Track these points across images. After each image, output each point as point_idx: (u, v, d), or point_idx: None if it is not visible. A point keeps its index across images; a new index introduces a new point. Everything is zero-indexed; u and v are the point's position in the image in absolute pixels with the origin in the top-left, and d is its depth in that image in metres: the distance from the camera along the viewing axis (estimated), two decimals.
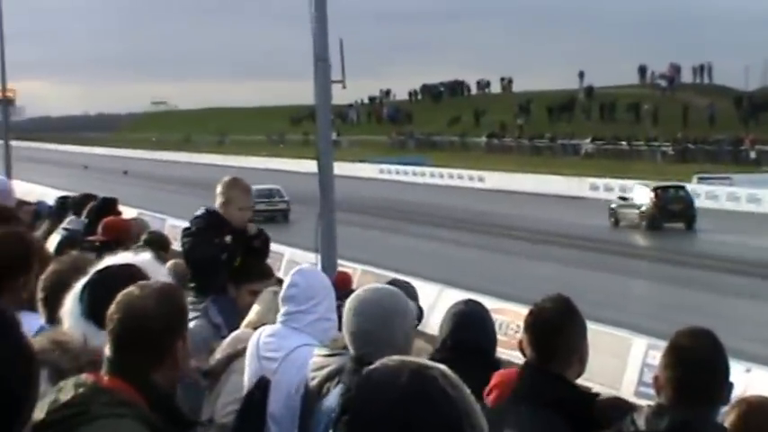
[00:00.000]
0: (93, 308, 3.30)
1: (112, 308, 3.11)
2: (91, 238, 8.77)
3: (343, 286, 9.42)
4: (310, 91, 11.21)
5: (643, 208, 40.92)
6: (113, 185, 59.26)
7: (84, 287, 3.38)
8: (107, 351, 3.09)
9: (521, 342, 4.26)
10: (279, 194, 47.35)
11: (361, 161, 77.84)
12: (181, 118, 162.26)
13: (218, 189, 7.55)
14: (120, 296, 3.15)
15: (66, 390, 2.81)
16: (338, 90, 11.26)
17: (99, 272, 3.44)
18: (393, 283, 5.72)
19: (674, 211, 41.03)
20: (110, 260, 3.52)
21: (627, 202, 42.72)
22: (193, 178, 66.34)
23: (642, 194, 41.68)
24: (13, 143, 41.45)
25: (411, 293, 5.48)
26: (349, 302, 4.21)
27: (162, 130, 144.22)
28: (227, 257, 7.21)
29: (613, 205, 43.23)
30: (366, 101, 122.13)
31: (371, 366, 2.09)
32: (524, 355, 4.18)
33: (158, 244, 8.83)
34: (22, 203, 12.70)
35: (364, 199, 51.59)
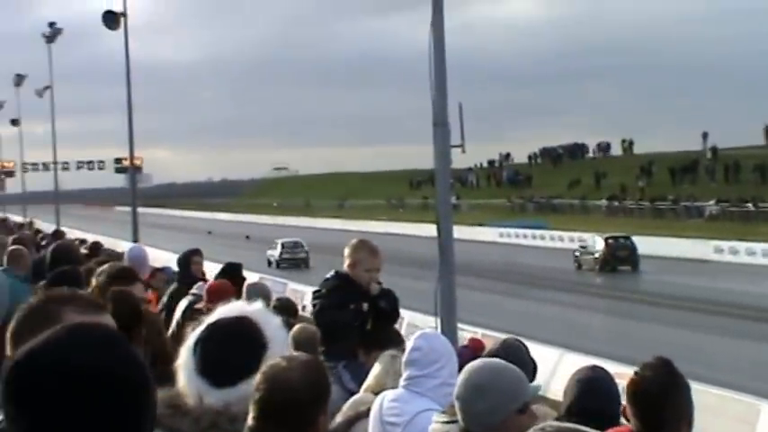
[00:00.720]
0: (206, 364, 3.27)
1: (259, 377, 3.14)
2: (198, 306, 8.88)
3: (474, 352, 9.37)
4: (430, 155, 11.28)
5: (596, 254, 50.56)
6: (236, 250, 60.17)
7: (197, 342, 3.35)
8: (250, 420, 3.13)
9: (625, 410, 4.19)
10: (301, 246, 56.69)
11: (479, 225, 77.64)
12: (301, 183, 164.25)
13: (346, 251, 7.59)
14: (267, 367, 3.18)
15: None
16: (457, 154, 11.32)
17: (210, 326, 3.39)
18: (505, 342, 5.69)
19: (621, 257, 50.37)
20: (222, 311, 3.44)
21: (586, 250, 52.07)
22: (314, 242, 66.86)
23: (597, 243, 51.36)
24: (140, 209, 42.48)
25: (522, 354, 5.43)
26: (462, 372, 4.20)
27: (283, 195, 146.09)
28: (360, 323, 7.25)
29: (577, 253, 52.70)
30: (485, 164, 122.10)
31: None
32: (628, 422, 4.11)
33: (287, 310, 8.91)
34: (156, 271, 13.02)
35: (484, 262, 51.40)
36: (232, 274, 11.39)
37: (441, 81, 11.09)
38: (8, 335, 3.21)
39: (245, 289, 9.70)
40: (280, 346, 3.35)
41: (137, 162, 43.34)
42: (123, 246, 24.42)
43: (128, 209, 43.87)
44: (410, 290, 17.66)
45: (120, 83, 38.36)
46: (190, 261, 12.23)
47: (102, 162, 76.26)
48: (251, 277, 15.13)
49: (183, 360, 3.33)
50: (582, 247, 53.06)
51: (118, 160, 65.66)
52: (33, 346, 1.98)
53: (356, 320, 7.26)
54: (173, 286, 11.40)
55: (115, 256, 13.21)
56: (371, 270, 7.50)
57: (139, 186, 47.33)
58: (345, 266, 7.53)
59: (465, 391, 4.05)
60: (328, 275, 7.67)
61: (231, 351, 3.27)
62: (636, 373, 4.23)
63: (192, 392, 3.26)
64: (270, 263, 54.90)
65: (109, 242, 37.43)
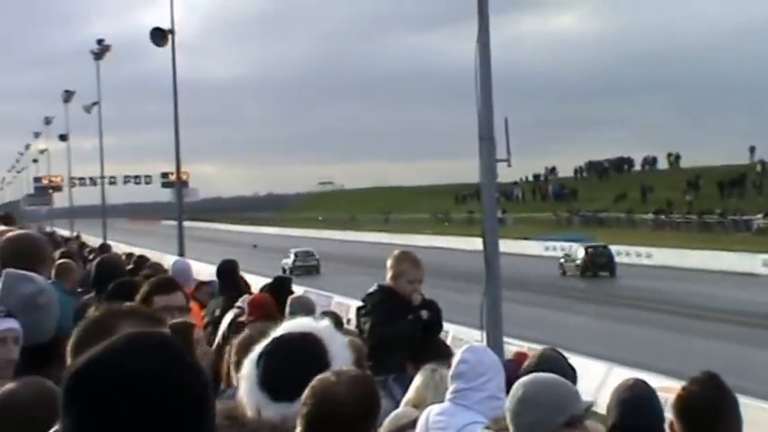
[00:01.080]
0: (268, 378, 3.27)
1: (307, 392, 3.15)
2: (241, 319, 8.87)
3: (520, 366, 9.31)
4: (475, 169, 11.26)
5: (578, 261, 56.12)
6: (281, 264, 60.47)
7: (261, 355, 3.35)
8: None
9: (672, 424, 4.12)
10: (312, 254, 64.37)
11: (525, 238, 77.39)
12: (347, 197, 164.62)
13: (389, 263, 7.58)
14: (315, 381, 3.19)
15: None
16: (503, 168, 11.28)
17: (275, 340, 3.39)
18: (543, 353, 5.63)
19: (599, 264, 55.96)
20: (288, 326, 3.45)
21: (569, 258, 57.51)
22: (359, 256, 66.94)
23: (579, 252, 57.02)
24: (186, 223, 42.69)
25: (560, 364, 5.36)
26: (513, 385, 4.16)
27: (328, 210, 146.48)
28: (422, 332, 7.20)
29: (562, 260, 58.07)
30: (531, 178, 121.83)
31: None
32: None
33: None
34: (201, 284, 13.09)
35: (529, 276, 51.22)
36: (281, 287, 11.43)
37: (486, 95, 11.07)
38: (68, 348, 3.26)
39: (288, 302, 9.70)
40: (343, 365, 3.33)
41: (183, 177, 43.54)
42: (169, 259, 24.56)
43: (174, 223, 44.18)
44: (456, 303, 17.61)
45: (166, 99, 38.70)
46: (238, 271, 12.37)
47: (148, 177, 76.85)
48: (298, 291, 15.10)
49: (246, 372, 3.33)
50: (566, 255, 58.53)
51: (164, 175, 66.16)
52: (91, 354, 2.00)
53: (416, 329, 7.22)
54: (220, 300, 11.45)
55: (160, 269, 13.27)
56: (414, 281, 7.48)
57: (186, 200, 47.56)
58: (388, 278, 7.50)
59: (514, 403, 4.03)
60: (371, 289, 7.63)
61: (294, 367, 3.27)
62: (683, 387, 4.16)
63: (252, 405, 3.26)
64: (284, 270, 58.16)
65: (155, 256, 37.64)
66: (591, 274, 54.77)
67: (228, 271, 12.38)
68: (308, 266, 61.91)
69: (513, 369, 5.74)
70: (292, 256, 64.15)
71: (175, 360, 1.99)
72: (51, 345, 4.61)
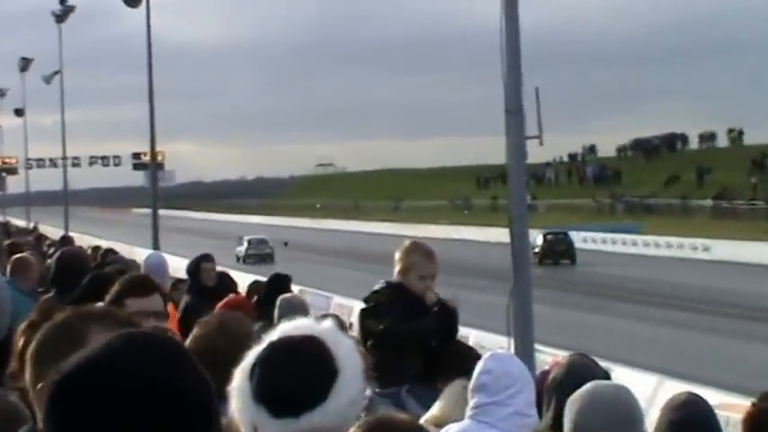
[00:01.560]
0: (264, 390, 3.15)
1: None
2: None
3: None
4: (500, 148, 11.27)
5: (536, 249, 58.23)
6: (235, 252, 60.48)
7: (255, 363, 3.22)
8: None
9: None
10: (266, 242, 71.31)
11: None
12: (349, 181, 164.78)
13: (397, 255, 7.54)
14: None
15: None
16: (534, 146, 11.28)
17: (271, 345, 3.25)
18: (571, 361, 5.63)
19: (558, 251, 62.17)
20: (284, 329, 3.31)
21: None
22: (364, 250, 67.02)
23: (538, 239, 60.35)
24: (161, 212, 42.75)
25: (594, 371, 5.38)
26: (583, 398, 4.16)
27: (328, 195, 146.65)
28: (439, 329, 7.19)
29: None
30: (566, 158, 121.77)
31: None
32: None
33: None
34: (178, 282, 13.15)
35: (564, 272, 51.22)
36: (280, 286, 11.44)
37: (514, 63, 11.07)
38: (29, 355, 3.24)
39: (277, 303, 9.70)
40: (353, 372, 3.23)
41: (158, 157, 43.61)
42: (141, 253, 24.60)
43: (147, 211, 44.33)
44: (477, 305, 17.66)
45: (140, 68, 38.74)
46: (200, 268, 12.39)
47: (117, 157, 77.01)
48: (294, 290, 15.07)
49: (238, 383, 3.22)
50: None
51: (136, 155, 66.33)
52: (82, 358, 1.98)
53: (442, 324, 7.20)
54: (185, 299, 11.51)
55: (133, 265, 13.31)
56: (426, 277, 7.40)
57: (161, 185, 47.67)
58: (396, 273, 7.46)
59: (611, 417, 4.00)
60: (377, 286, 7.60)
61: (295, 376, 3.16)
62: (753, 404, 4.18)
63: (246, 422, 3.16)
64: (238, 258, 66.21)
65: (125, 249, 37.74)
66: (551, 262, 60.50)
67: (198, 266, 12.46)
68: (261, 255, 68.29)
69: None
70: (246, 244, 70.87)
71: (179, 365, 2.00)
72: (4, 345, 4.61)
